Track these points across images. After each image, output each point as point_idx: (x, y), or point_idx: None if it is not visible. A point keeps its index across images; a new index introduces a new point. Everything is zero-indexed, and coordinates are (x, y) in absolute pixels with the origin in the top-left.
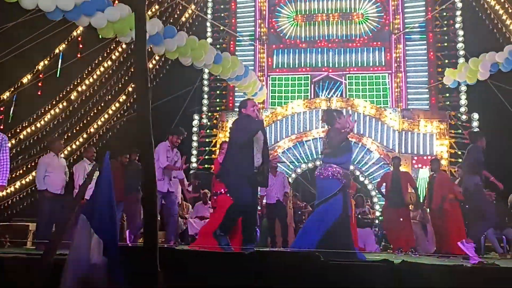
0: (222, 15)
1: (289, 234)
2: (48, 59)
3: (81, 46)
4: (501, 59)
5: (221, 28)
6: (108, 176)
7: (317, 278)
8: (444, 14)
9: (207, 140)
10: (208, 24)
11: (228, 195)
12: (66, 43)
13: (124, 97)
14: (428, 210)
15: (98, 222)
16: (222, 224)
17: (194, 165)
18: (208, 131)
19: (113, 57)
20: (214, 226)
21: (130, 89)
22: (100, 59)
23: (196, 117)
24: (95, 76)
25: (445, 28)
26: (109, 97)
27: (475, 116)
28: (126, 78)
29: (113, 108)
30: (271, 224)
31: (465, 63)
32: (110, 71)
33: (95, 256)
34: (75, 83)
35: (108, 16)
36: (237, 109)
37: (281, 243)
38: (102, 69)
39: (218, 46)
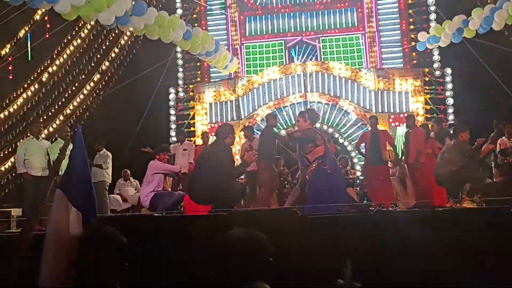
0: None
1: (272, 200)
2: (14, 42)
3: (48, 25)
4: (477, 22)
5: None
6: (82, 150)
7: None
8: None
9: (185, 113)
10: None
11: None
12: (30, 24)
13: (98, 75)
14: (406, 165)
15: (75, 195)
16: None
17: (174, 139)
18: (185, 103)
19: (82, 35)
20: None
21: (104, 67)
22: (69, 37)
23: (172, 90)
24: (65, 56)
25: None
26: (83, 76)
27: (448, 71)
28: (99, 55)
29: (88, 88)
30: (252, 192)
31: (437, 25)
32: (81, 50)
33: (75, 228)
34: (46, 64)
35: (73, 1)
36: (212, 80)
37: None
38: (72, 48)
39: (188, 16)
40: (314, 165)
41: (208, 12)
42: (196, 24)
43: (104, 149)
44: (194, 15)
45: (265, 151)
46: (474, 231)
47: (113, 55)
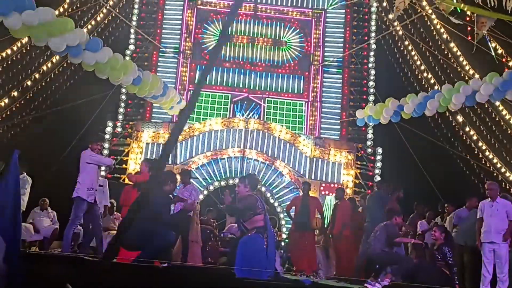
0: (147, 23)
1: (194, 251)
2: None
3: None
4: (411, 107)
5: (145, 37)
6: (16, 177)
7: None
8: (360, 52)
9: (120, 148)
10: (132, 31)
11: None
12: None
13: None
14: (330, 235)
15: (1, 224)
16: None
17: (103, 173)
18: (121, 139)
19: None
20: None
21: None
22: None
23: (110, 124)
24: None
25: (359, 66)
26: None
27: (379, 150)
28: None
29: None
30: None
31: (378, 104)
32: (19, 65)
33: None
34: None
35: (25, 19)
36: (154, 120)
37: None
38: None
39: (140, 54)
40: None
41: (160, 54)
42: (146, 63)
43: (25, 174)
44: (146, 54)
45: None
46: None
47: (52, 76)
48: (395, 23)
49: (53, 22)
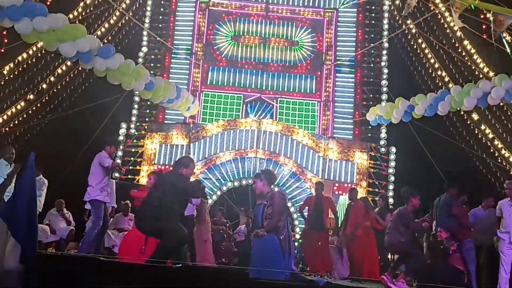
0: (160, 25)
1: (206, 250)
2: None
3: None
4: (421, 109)
5: (157, 39)
6: (32, 178)
7: None
8: (372, 52)
9: (133, 150)
10: (144, 33)
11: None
12: None
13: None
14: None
15: (17, 226)
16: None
17: (117, 174)
18: (134, 141)
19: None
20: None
21: (55, 89)
22: (23, 53)
23: (123, 125)
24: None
25: (372, 65)
26: (31, 96)
27: (393, 149)
28: (53, 78)
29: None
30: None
31: (389, 103)
32: (35, 69)
33: (10, 262)
34: None
35: (36, 25)
36: (166, 121)
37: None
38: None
39: (152, 56)
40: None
41: (172, 55)
42: (158, 65)
43: (41, 175)
44: (158, 56)
45: None
46: None
47: (67, 79)
48: (408, 21)
49: (63, 29)
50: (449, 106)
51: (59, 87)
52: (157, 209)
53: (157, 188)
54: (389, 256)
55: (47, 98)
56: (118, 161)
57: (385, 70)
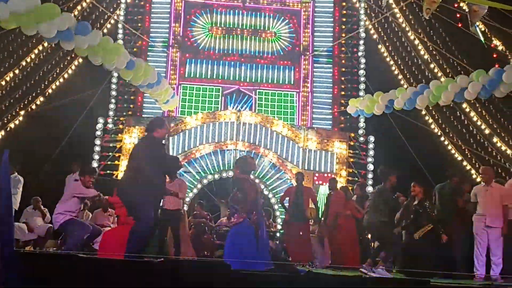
0: (136, 18)
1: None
2: None
3: None
4: (401, 102)
5: (133, 31)
6: (6, 176)
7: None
8: (350, 41)
9: (111, 145)
10: (119, 25)
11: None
12: None
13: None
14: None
15: None
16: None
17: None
18: (112, 135)
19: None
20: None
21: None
22: None
23: (101, 120)
24: None
25: (349, 55)
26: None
27: (371, 139)
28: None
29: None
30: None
31: (368, 96)
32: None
33: None
34: None
35: (12, 7)
36: (145, 115)
37: (173, 253)
38: None
39: (129, 49)
40: (240, 217)
41: (149, 48)
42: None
43: (16, 173)
44: (135, 49)
45: None
46: None
47: (41, 74)
48: (384, 11)
49: (40, 8)
50: (428, 101)
51: (32, 82)
52: (134, 182)
53: (133, 159)
54: (371, 244)
55: (20, 93)
56: (96, 157)
57: (363, 60)
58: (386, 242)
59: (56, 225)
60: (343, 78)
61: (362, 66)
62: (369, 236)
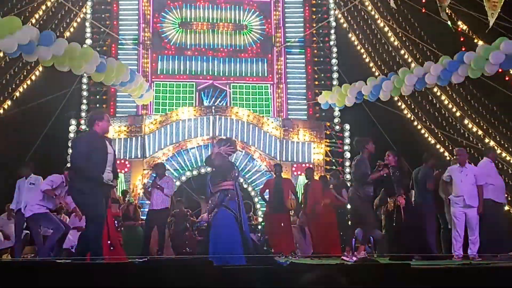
0: (103, 16)
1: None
2: None
3: None
4: (368, 89)
5: (102, 29)
6: None
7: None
8: (321, 31)
9: None
10: (87, 24)
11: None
12: None
13: None
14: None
15: None
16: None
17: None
18: None
19: None
20: None
21: None
22: None
23: (73, 122)
24: None
25: (321, 44)
26: None
27: (347, 127)
28: None
29: None
30: (147, 231)
31: (337, 88)
32: None
33: None
34: None
35: None
36: (118, 114)
37: (156, 252)
38: None
39: (98, 48)
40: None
41: (119, 46)
42: (105, 57)
43: None
44: (104, 47)
45: None
46: None
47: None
48: None
49: (8, 20)
50: (392, 87)
51: (3, 82)
52: (80, 181)
53: (74, 157)
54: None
55: None
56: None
57: (334, 49)
58: (362, 217)
59: (28, 212)
60: (316, 68)
61: (334, 55)
62: (349, 223)
